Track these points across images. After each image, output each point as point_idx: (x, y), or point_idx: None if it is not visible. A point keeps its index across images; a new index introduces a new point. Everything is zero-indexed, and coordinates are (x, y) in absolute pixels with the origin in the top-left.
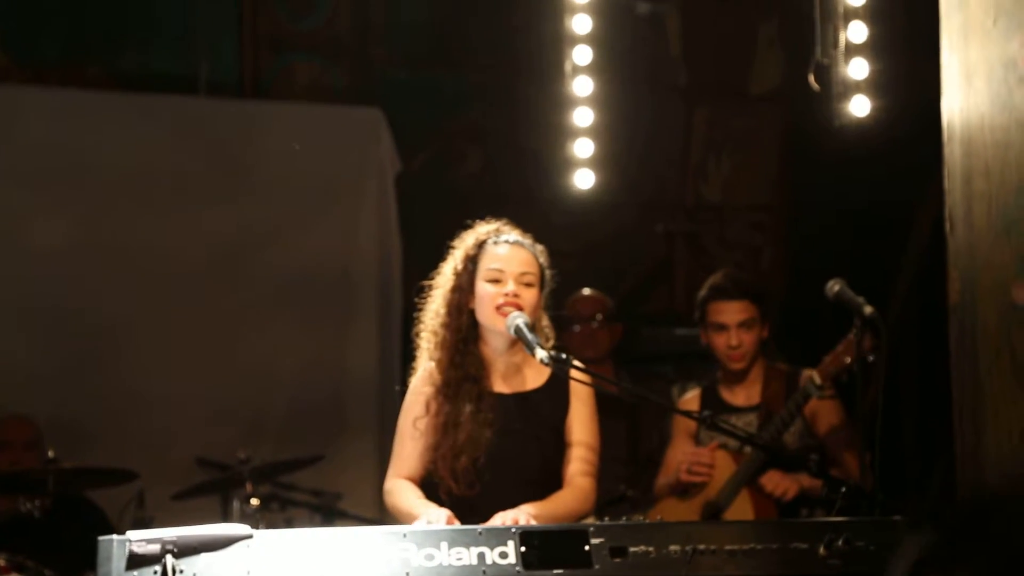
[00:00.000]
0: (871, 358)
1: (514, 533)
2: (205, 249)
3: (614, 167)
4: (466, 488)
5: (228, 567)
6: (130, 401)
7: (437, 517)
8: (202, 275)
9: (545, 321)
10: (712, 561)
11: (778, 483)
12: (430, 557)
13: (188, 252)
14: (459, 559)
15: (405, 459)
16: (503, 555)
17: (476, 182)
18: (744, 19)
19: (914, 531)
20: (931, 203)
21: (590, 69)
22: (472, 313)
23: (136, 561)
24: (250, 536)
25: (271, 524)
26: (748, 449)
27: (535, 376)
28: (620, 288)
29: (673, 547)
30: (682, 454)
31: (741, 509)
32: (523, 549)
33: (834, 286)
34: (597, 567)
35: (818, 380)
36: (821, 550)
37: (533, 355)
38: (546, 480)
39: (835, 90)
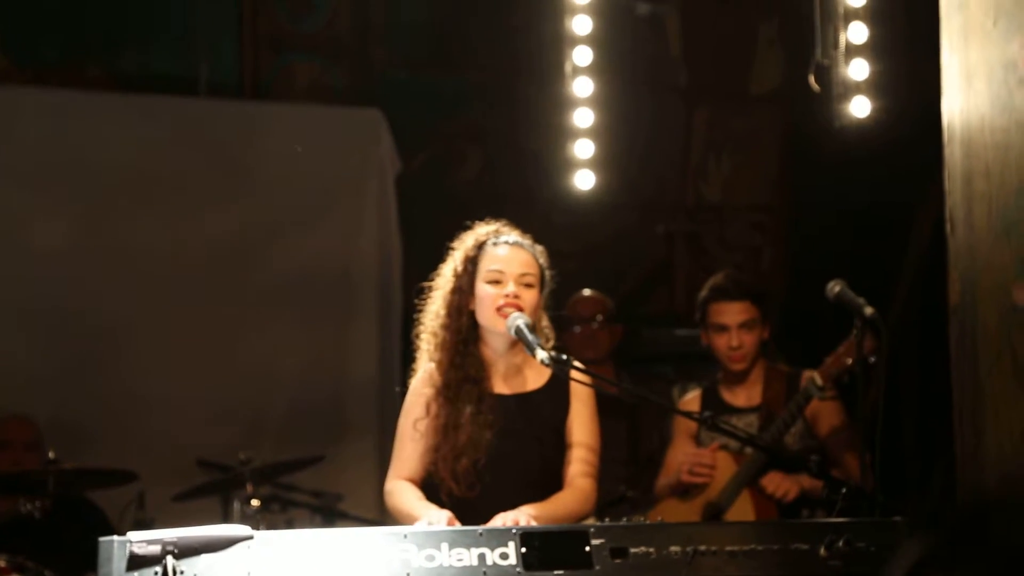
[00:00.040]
0: (872, 359)
1: (515, 534)
2: (205, 250)
3: (614, 168)
4: (467, 490)
5: (229, 568)
6: (130, 402)
7: (438, 518)
8: (202, 276)
9: (545, 322)
10: (713, 562)
11: (779, 484)
12: (431, 558)
13: (188, 253)
14: (460, 560)
15: (405, 460)
16: (504, 556)
17: (476, 183)
18: (744, 20)
19: (914, 532)
20: (931, 204)
21: (590, 70)
22: (472, 314)
23: (137, 562)
24: (251, 537)
25: (272, 525)
26: (749, 450)
27: (535, 377)
28: (620, 289)
29: (674, 548)
30: (683, 455)
31: (742, 510)
32: (524, 550)
33: (835, 287)
34: (598, 568)
35: (819, 381)
36: (822, 551)
37: (534, 356)
38: (546, 481)
39: (835, 91)
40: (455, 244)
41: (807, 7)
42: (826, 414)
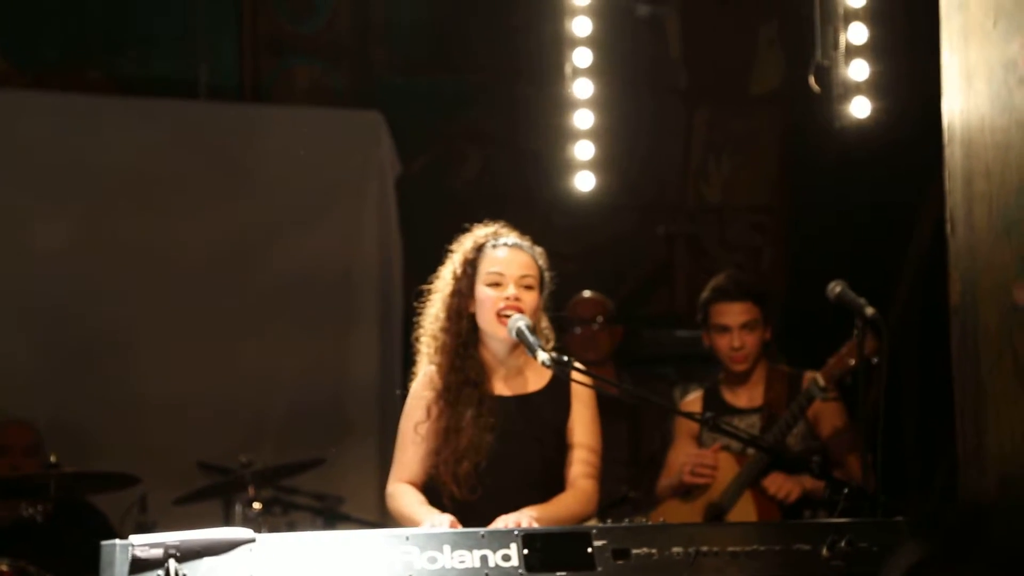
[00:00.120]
0: (875, 360)
1: (517, 536)
2: (206, 252)
3: (614, 169)
4: (468, 492)
5: (231, 571)
6: (131, 405)
7: (440, 523)
8: (203, 278)
9: (545, 323)
10: (715, 563)
11: (781, 485)
12: (433, 560)
13: (189, 255)
14: (462, 562)
15: (407, 464)
16: (506, 558)
17: (476, 184)
18: (744, 21)
19: (915, 533)
20: (932, 204)
21: (590, 71)
22: (472, 317)
23: (139, 566)
24: (253, 540)
25: (273, 528)
26: (751, 450)
27: (536, 378)
28: (621, 290)
29: (676, 549)
30: (685, 456)
31: (744, 511)
32: (526, 552)
33: (835, 287)
34: (600, 569)
35: (822, 382)
36: (824, 551)
37: (535, 357)
38: (548, 483)
39: (835, 92)
40: (453, 247)
41: (807, 8)
42: (828, 415)
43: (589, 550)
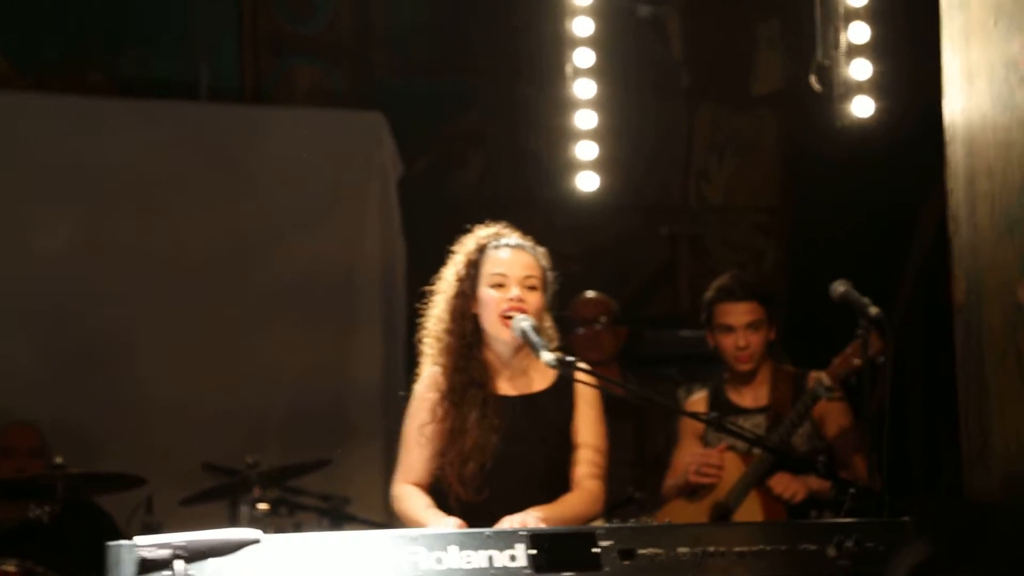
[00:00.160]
0: (880, 359)
1: (523, 536)
2: (208, 254)
3: (617, 170)
4: (474, 494)
5: (237, 572)
6: (136, 406)
7: (447, 527)
8: (205, 279)
9: (548, 322)
10: (721, 563)
11: (787, 486)
12: (439, 560)
13: (191, 257)
14: (468, 562)
15: (412, 465)
16: (512, 558)
17: (479, 186)
18: (745, 21)
19: (919, 531)
20: (935, 204)
21: (592, 72)
22: (476, 318)
23: (146, 566)
24: (259, 540)
25: (279, 528)
26: (757, 450)
27: (541, 378)
28: (624, 291)
29: (682, 549)
30: (690, 455)
31: (750, 510)
32: (532, 552)
33: (839, 287)
34: (606, 569)
35: (827, 382)
36: (831, 551)
37: (539, 358)
38: (554, 483)
39: (837, 91)
40: (455, 247)
41: (808, 7)
42: (834, 415)
43: (595, 550)
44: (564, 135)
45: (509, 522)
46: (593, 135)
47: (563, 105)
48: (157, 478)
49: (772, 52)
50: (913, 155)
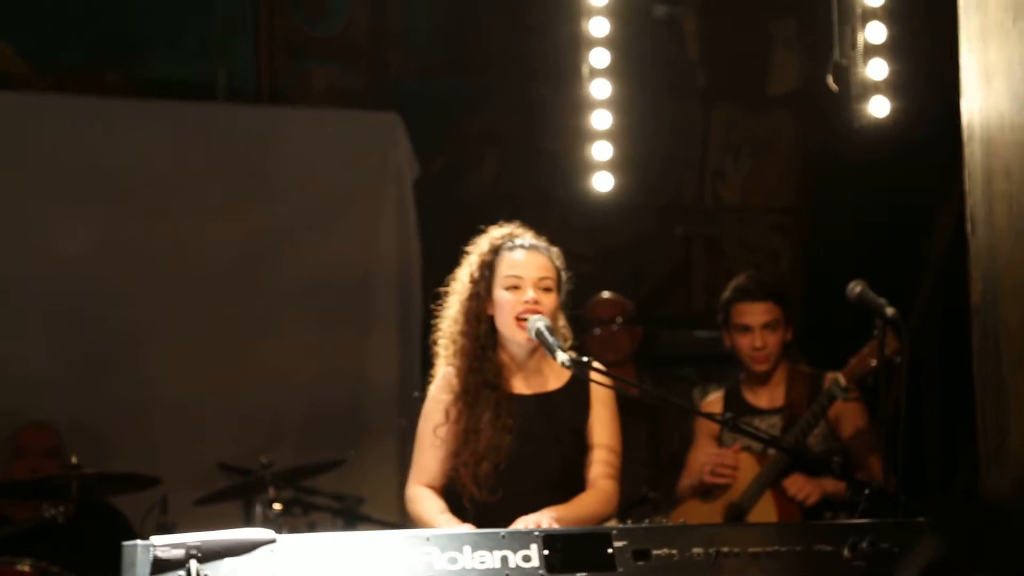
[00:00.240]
0: (897, 360)
1: (537, 536)
2: (225, 255)
3: (633, 170)
4: (488, 494)
5: (252, 571)
6: (151, 406)
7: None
8: (221, 280)
9: (562, 322)
10: (736, 563)
11: (801, 487)
12: (453, 560)
13: (208, 258)
14: (482, 563)
15: (426, 466)
16: (526, 558)
17: (494, 186)
18: (761, 21)
19: (932, 531)
20: (952, 204)
21: (608, 72)
22: (491, 319)
23: (160, 566)
24: (273, 540)
25: (294, 528)
26: (772, 451)
27: (555, 377)
28: (639, 291)
29: (696, 549)
30: (705, 456)
31: (764, 511)
32: (546, 552)
33: (855, 287)
34: (620, 570)
35: (843, 382)
36: (846, 552)
37: (554, 358)
38: (568, 483)
39: (854, 91)
40: (469, 248)
41: (824, 7)
42: (850, 415)
43: (609, 551)
44: (580, 135)
45: (523, 522)
46: (608, 135)
47: (579, 105)
48: (172, 478)
49: (788, 52)
50: (930, 155)
